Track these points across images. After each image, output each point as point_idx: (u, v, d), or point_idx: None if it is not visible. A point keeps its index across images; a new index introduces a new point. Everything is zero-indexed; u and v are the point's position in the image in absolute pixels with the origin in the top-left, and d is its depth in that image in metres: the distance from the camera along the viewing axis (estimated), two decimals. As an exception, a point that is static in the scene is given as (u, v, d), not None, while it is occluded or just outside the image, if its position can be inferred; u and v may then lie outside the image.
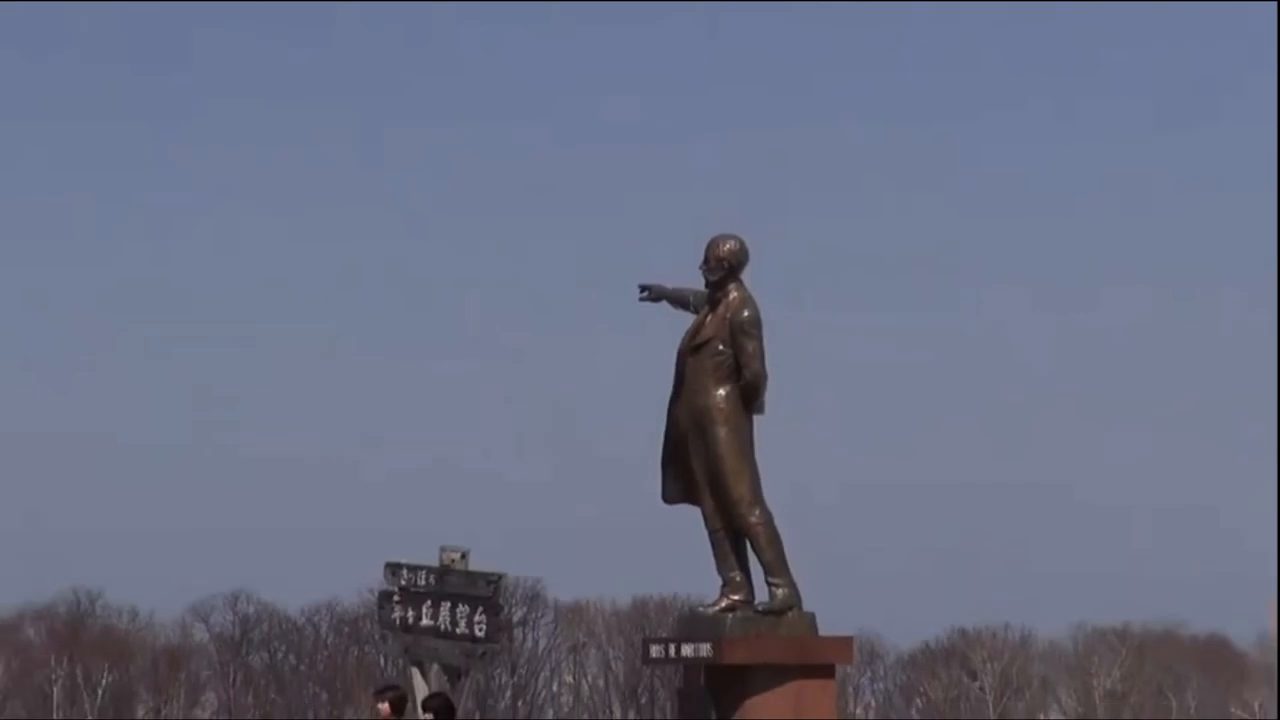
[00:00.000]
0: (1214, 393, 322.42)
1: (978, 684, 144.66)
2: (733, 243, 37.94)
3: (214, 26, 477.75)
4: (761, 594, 37.60)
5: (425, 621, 44.48)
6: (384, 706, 38.15)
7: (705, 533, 38.29)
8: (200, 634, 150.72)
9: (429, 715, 38.55)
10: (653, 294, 39.65)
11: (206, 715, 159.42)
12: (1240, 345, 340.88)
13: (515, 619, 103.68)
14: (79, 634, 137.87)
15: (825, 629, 38.92)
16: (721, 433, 37.25)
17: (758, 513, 37.26)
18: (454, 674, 42.43)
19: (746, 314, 37.15)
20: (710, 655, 36.93)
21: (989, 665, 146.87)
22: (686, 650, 37.52)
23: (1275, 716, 78.24)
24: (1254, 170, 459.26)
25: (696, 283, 39.72)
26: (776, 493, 39.30)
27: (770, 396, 39.40)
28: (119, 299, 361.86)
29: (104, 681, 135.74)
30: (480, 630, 43.03)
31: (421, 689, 43.89)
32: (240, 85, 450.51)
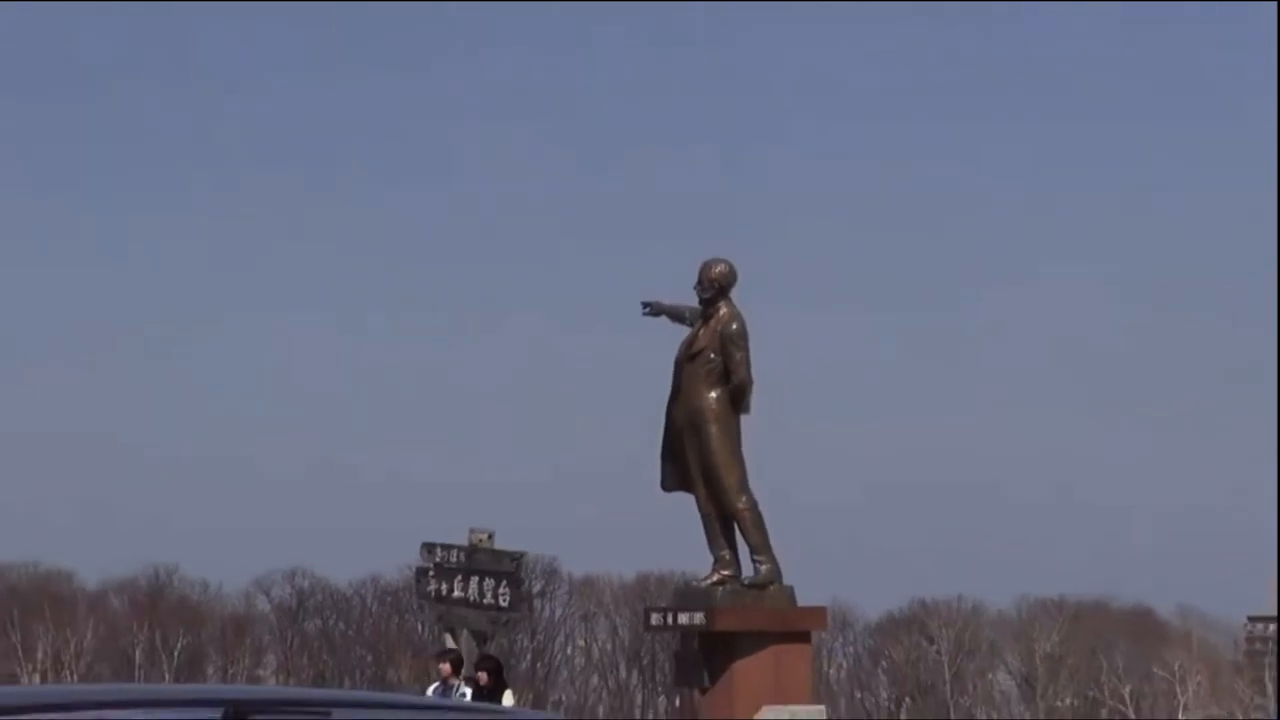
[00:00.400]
0: (1141, 380, 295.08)
1: (935, 648, 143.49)
2: (723, 266, 38.75)
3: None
4: (748, 570, 38.44)
5: (456, 593, 44.97)
6: (445, 666, 43.08)
7: (699, 517, 38.94)
8: (262, 604, 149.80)
9: (483, 673, 42.60)
10: (654, 309, 39.79)
11: (268, 674, 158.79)
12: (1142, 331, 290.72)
13: (535, 591, 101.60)
14: (158, 604, 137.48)
15: (803, 600, 39.87)
16: (713, 430, 38.05)
17: (744, 500, 38.13)
18: (481, 638, 42.80)
19: (734, 327, 37.89)
20: (703, 623, 37.72)
21: (944, 631, 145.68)
22: (683, 618, 38.45)
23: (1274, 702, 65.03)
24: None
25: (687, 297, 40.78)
26: (771, 482, 40.00)
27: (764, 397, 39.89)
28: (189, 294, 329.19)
29: (179, 645, 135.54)
30: (504, 601, 44.07)
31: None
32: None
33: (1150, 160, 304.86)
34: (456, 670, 42.20)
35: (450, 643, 45.72)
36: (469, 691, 40.85)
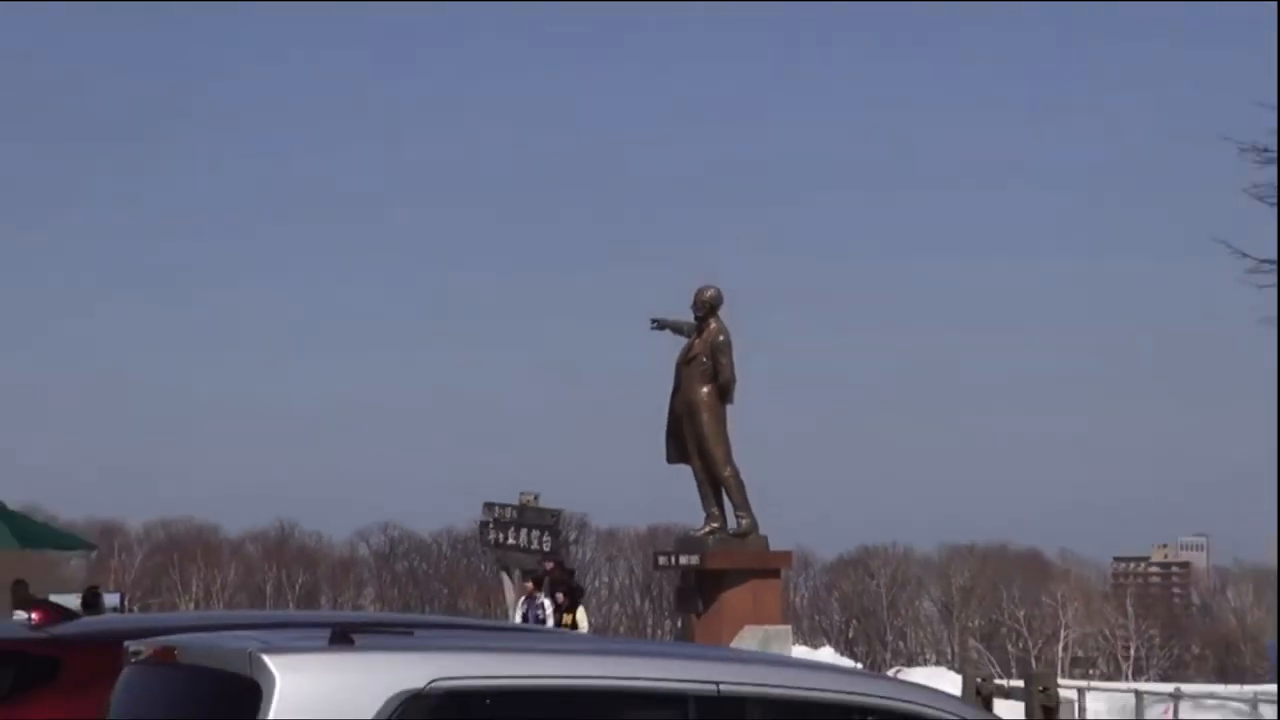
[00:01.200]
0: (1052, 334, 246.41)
1: (875, 582, 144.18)
2: (712, 290, 39.83)
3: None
4: (732, 523, 40.08)
5: (510, 541, 45.47)
6: (529, 584, 42.79)
7: (694, 483, 40.06)
8: (362, 550, 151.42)
9: (559, 593, 42.56)
10: (660, 324, 40.79)
11: (367, 604, 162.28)
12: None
13: (570, 539, 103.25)
14: (283, 550, 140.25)
15: (774, 546, 41.60)
16: (705, 418, 39.33)
17: (729, 470, 39.61)
18: (528, 576, 42.83)
19: (721, 339, 38.99)
20: (698, 564, 39.19)
21: (882, 570, 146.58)
22: (683, 560, 40.05)
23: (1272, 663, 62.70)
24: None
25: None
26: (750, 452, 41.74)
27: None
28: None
29: (299, 582, 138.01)
30: (546, 547, 44.36)
31: (508, 585, 45.89)
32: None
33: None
34: (539, 588, 41.93)
35: (506, 581, 45.70)
36: (548, 604, 41.01)
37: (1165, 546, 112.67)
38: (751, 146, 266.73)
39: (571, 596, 41.77)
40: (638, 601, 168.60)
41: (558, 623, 39.35)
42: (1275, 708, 44.95)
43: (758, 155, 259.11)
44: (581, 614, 40.92)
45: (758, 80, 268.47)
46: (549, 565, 43.00)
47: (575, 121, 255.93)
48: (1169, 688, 46.94)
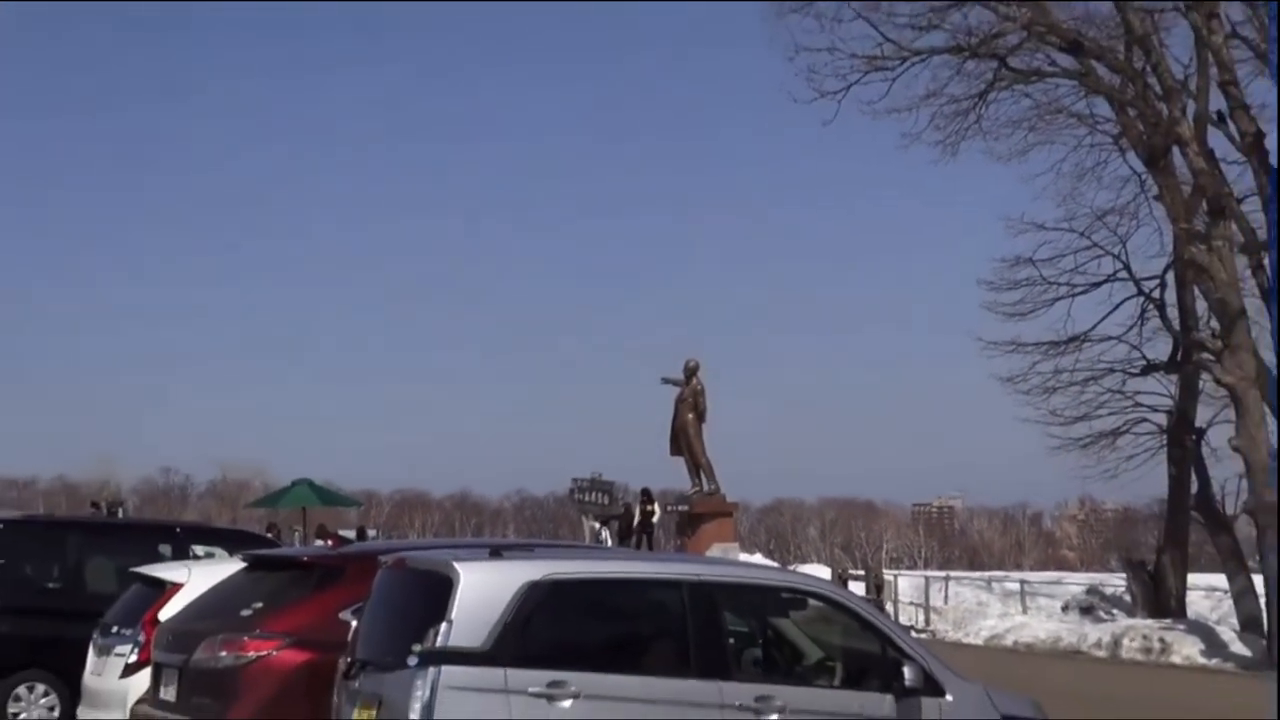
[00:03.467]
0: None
1: (784, 518, 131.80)
2: (695, 361, 39.81)
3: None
4: (707, 488, 40.03)
5: (586, 499, 43.27)
6: (595, 524, 40.85)
7: (685, 467, 40.23)
8: (507, 505, 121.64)
9: (637, 508, 39.97)
10: (665, 380, 39.75)
11: (510, 535, 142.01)
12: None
13: (620, 497, 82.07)
14: (464, 505, 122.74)
15: (731, 498, 41.44)
16: (691, 432, 39.80)
17: (704, 459, 39.93)
18: (599, 522, 41.77)
19: (700, 388, 39.43)
20: (688, 509, 40.45)
21: (788, 511, 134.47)
22: (680, 508, 40.95)
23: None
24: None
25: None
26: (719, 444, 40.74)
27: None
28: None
29: (473, 523, 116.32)
30: (605, 503, 42.33)
31: (585, 524, 43.54)
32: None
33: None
34: (604, 522, 41.05)
35: (584, 521, 44.47)
36: (607, 534, 40.36)
37: (940, 497, 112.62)
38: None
39: (649, 503, 40.38)
40: (658, 535, 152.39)
41: (628, 530, 40.58)
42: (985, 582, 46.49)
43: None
44: (661, 515, 41.10)
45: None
46: (621, 507, 42.13)
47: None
48: (942, 574, 48.29)
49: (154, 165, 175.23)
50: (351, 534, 37.04)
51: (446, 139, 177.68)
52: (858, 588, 35.43)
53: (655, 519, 40.30)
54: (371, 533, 41.77)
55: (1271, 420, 30.92)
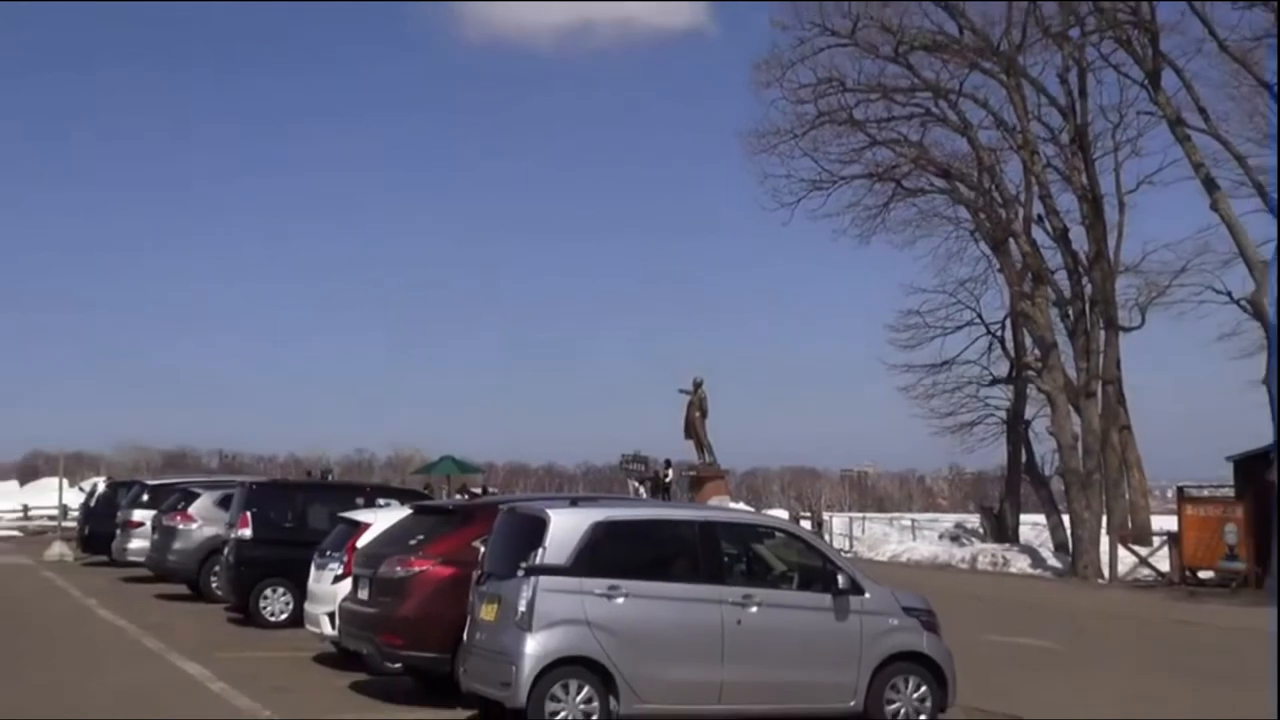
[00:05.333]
0: None
1: (758, 479, 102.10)
2: (699, 378, 38.67)
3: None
4: (709, 459, 38.36)
5: (629, 467, 40.05)
6: (635, 483, 37.51)
7: (694, 447, 38.26)
8: (577, 472, 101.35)
9: (659, 472, 37.89)
10: (682, 390, 38.20)
11: (581, 492, 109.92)
12: None
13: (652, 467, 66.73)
14: (550, 474, 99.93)
15: (724, 467, 39.50)
16: (697, 423, 37.97)
17: (706, 441, 38.06)
18: (638, 482, 38.15)
19: (704, 396, 38.07)
20: (695, 474, 38.71)
21: (761, 476, 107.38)
22: (689, 473, 38.94)
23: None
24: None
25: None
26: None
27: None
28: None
29: (556, 485, 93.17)
30: (642, 470, 38.60)
31: (630, 486, 39.77)
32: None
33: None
34: (641, 482, 37.66)
35: (630, 482, 39.49)
36: (642, 490, 37.03)
37: (859, 464, 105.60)
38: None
39: (667, 471, 38.46)
40: (675, 492, 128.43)
41: (656, 487, 37.79)
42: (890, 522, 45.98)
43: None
44: (676, 479, 38.91)
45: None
46: (651, 473, 39.22)
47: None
48: (861, 515, 46.81)
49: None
50: (479, 491, 35.87)
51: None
52: (806, 524, 34.62)
53: (671, 481, 38.79)
54: (492, 490, 39.84)
55: (1074, 414, 30.11)
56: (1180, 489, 27.93)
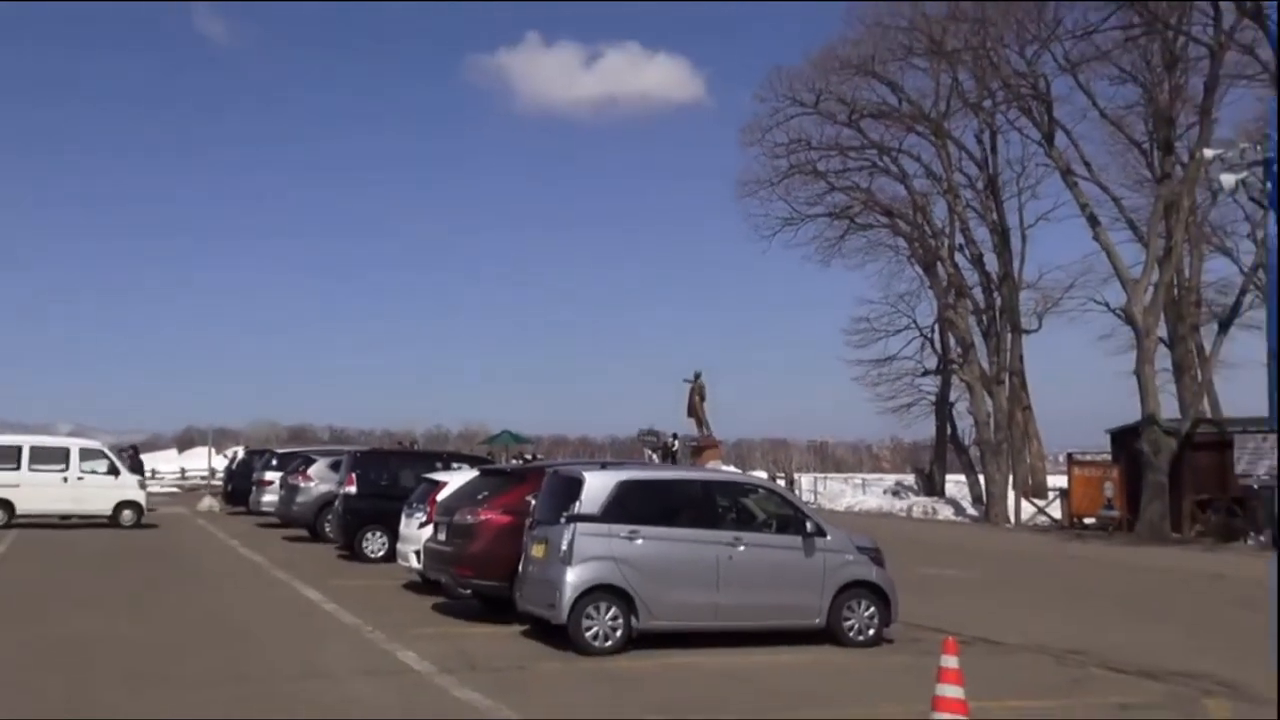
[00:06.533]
0: None
1: (744, 447, 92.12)
2: (699, 370, 37.83)
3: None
4: (707, 433, 37.09)
5: (645, 439, 38.12)
6: (649, 451, 35.79)
7: (694, 423, 37.33)
8: (605, 442, 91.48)
9: (667, 443, 36.02)
10: (686, 380, 37.13)
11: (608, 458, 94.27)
12: None
13: (662, 439, 62.17)
14: (584, 444, 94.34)
15: (719, 438, 38.04)
16: (698, 405, 36.70)
17: (705, 419, 36.82)
18: (651, 450, 36.21)
19: (703, 384, 37.05)
20: (696, 444, 36.92)
21: (746, 445, 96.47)
22: (691, 444, 37.04)
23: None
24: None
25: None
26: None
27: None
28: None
29: (588, 453, 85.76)
30: (654, 441, 37.08)
31: (646, 454, 38.23)
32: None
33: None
34: (654, 451, 35.88)
35: (646, 451, 38.24)
36: (656, 457, 35.25)
37: (822, 436, 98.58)
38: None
39: (668, 448, 37.62)
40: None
41: (665, 454, 37.39)
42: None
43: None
44: (681, 448, 37.00)
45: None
46: (662, 443, 39.47)
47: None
48: (823, 476, 45.94)
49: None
50: (530, 457, 35.18)
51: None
52: (781, 483, 34.56)
53: (677, 449, 38.07)
54: (539, 456, 39.64)
55: (987, 397, 30.40)
56: (1069, 455, 27.81)
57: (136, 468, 23.36)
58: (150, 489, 24.61)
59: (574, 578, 8.92)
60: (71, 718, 6.55)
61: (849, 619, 9.73)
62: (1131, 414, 25.35)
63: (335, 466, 18.99)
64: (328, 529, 18.58)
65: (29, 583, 13.14)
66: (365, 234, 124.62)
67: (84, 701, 6.95)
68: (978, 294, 31.66)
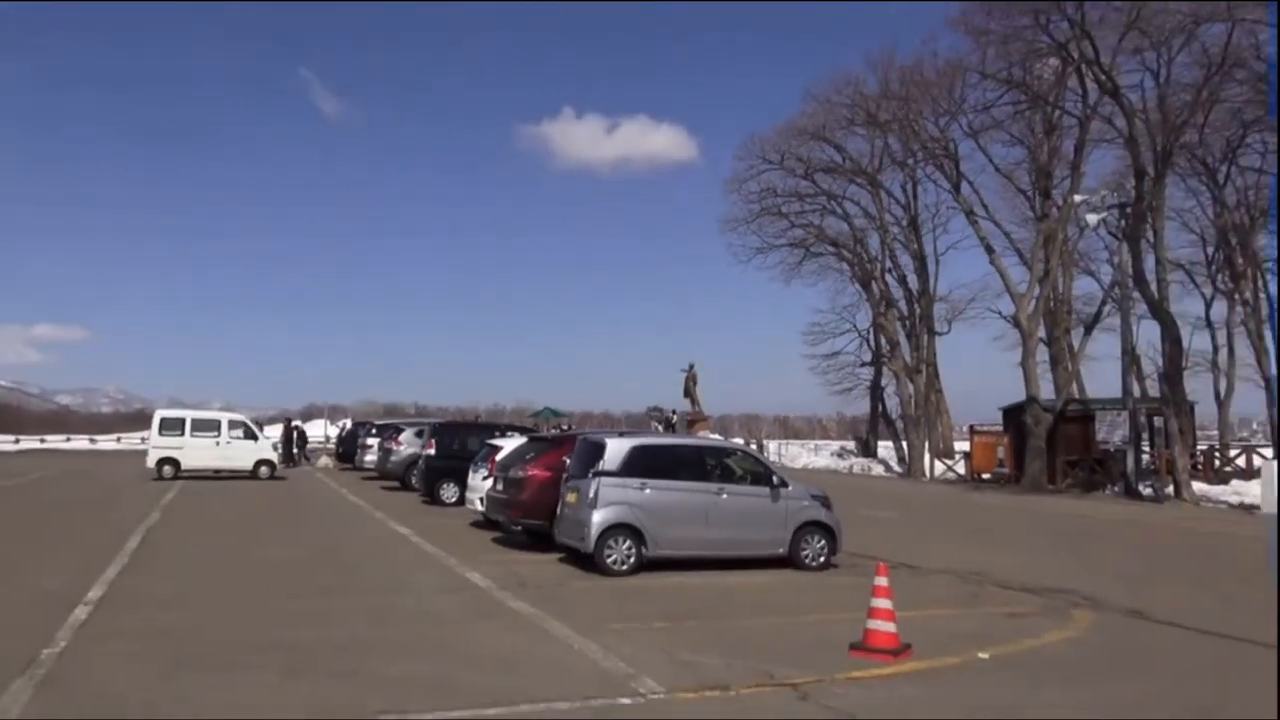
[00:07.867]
0: None
1: (723, 419, 77.04)
2: (692, 362, 37.02)
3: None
4: (699, 409, 36.07)
5: (652, 414, 36.39)
6: (656, 424, 33.27)
7: (690, 401, 36.49)
8: (621, 416, 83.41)
9: (675, 420, 33.50)
10: (683, 370, 36.39)
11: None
12: None
13: (665, 413, 56.43)
14: (601, 417, 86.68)
15: (708, 413, 36.70)
16: (692, 387, 35.71)
17: (698, 398, 35.12)
18: (657, 422, 34.77)
19: (695, 373, 36.00)
20: (690, 417, 35.97)
21: (728, 418, 79.80)
22: (688, 418, 36.15)
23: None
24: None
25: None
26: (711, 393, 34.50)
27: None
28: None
29: (609, 425, 70.19)
30: (659, 415, 35.42)
31: (653, 426, 37.19)
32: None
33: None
34: (659, 423, 34.37)
35: (653, 424, 37.62)
36: (661, 428, 33.49)
37: (786, 411, 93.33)
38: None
39: (669, 421, 35.10)
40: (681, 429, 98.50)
41: (667, 426, 36.14)
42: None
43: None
44: (679, 421, 34.90)
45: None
46: (665, 417, 38.23)
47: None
48: (785, 442, 45.24)
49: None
50: (565, 427, 34.19)
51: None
52: (754, 447, 32.85)
53: (676, 422, 37.39)
54: (573, 427, 37.89)
55: (909, 383, 30.55)
56: (971, 426, 27.92)
57: (301, 437, 24.06)
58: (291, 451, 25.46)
59: (598, 518, 8.81)
60: (248, 608, 6.85)
61: (805, 550, 9.63)
62: (1018, 395, 25.45)
63: (419, 434, 18.89)
64: (414, 481, 18.39)
65: (197, 519, 13.11)
66: (443, 267, 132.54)
67: (254, 603, 7.27)
68: (903, 305, 31.95)
